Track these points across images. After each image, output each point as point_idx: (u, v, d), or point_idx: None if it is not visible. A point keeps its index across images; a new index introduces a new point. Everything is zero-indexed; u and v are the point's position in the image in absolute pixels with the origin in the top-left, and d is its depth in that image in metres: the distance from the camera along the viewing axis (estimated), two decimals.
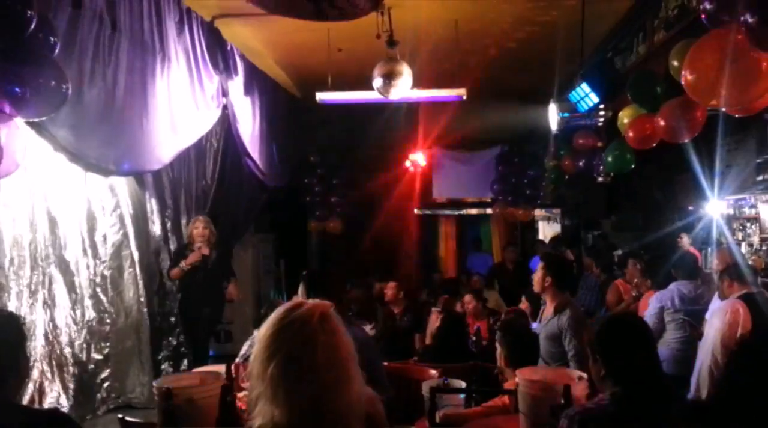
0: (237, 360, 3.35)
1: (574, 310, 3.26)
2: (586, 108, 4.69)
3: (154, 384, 2.13)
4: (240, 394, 2.37)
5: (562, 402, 2.23)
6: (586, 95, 4.61)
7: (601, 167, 5.65)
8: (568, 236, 9.55)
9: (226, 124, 5.38)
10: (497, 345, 3.03)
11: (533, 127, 7.46)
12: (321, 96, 5.38)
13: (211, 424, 2.10)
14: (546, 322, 3.33)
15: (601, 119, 4.96)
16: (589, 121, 5.21)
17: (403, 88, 4.54)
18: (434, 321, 5.02)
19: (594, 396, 2.11)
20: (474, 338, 4.42)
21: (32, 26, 2.30)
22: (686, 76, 2.91)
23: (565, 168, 6.84)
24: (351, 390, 1.38)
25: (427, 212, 10.37)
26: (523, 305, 5.04)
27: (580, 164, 6.29)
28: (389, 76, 4.49)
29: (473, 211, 10.47)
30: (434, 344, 4.32)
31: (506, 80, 6.62)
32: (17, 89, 2.31)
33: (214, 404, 2.12)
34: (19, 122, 2.59)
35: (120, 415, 2.91)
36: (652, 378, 1.90)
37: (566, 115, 5.01)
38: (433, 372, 3.57)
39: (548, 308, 3.37)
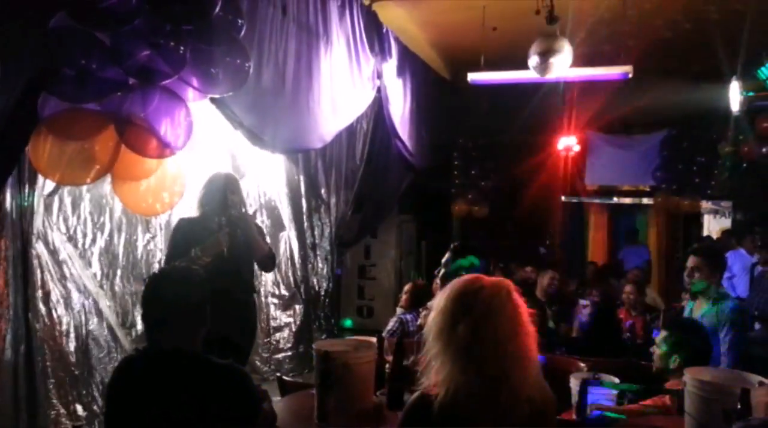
0: (383, 334, 3.48)
1: None
2: None
3: (314, 346, 2.27)
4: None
5: (739, 407, 2.03)
6: None
7: None
8: (739, 232, 8.53)
9: (377, 106, 5.51)
10: (659, 343, 2.80)
11: (707, 108, 6.75)
12: (473, 77, 5.30)
13: (365, 388, 2.19)
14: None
15: None
16: None
17: (562, 67, 4.33)
18: (582, 312, 4.79)
19: None
20: (628, 334, 4.13)
21: (218, 7, 2.50)
22: None
23: (743, 155, 6.14)
24: (530, 367, 1.38)
25: (576, 199, 9.85)
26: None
27: (764, 150, 5.58)
28: (547, 54, 4.31)
29: (627, 200, 9.74)
30: (584, 335, 4.11)
31: (678, 56, 6.01)
32: (208, 68, 2.54)
33: (367, 370, 2.21)
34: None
35: (278, 374, 3.17)
36: None
37: (751, 94, 4.46)
38: (581, 364, 3.43)
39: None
